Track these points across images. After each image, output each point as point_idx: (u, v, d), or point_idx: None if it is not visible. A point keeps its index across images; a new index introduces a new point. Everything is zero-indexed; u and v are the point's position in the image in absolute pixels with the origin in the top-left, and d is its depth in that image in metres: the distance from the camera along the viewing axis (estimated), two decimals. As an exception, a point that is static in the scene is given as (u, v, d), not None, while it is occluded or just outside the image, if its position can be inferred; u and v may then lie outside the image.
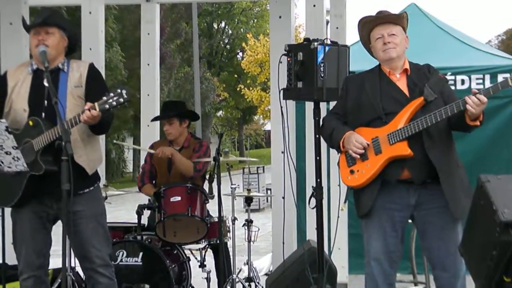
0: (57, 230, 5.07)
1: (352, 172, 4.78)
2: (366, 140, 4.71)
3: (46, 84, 4.73)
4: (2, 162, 4.79)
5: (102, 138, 7.24)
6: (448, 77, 8.23)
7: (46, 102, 4.90)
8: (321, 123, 5.11)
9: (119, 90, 4.68)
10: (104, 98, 4.68)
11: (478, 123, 4.59)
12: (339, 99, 5.03)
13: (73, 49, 5.20)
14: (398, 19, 4.84)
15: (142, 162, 7.44)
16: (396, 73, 4.81)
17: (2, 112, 4.99)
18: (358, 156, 4.71)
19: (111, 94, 4.67)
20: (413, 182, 4.66)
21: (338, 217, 5.47)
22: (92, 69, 5.11)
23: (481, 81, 8.49)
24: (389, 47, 4.75)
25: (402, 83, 4.79)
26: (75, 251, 5.11)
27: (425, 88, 4.64)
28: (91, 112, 4.65)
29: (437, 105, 4.58)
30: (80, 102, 4.93)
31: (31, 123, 4.83)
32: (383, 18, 4.82)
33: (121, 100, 4.66)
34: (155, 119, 7.57)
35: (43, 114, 4.89)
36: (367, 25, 4.88)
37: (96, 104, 4.66)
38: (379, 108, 4.72)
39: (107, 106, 4.67)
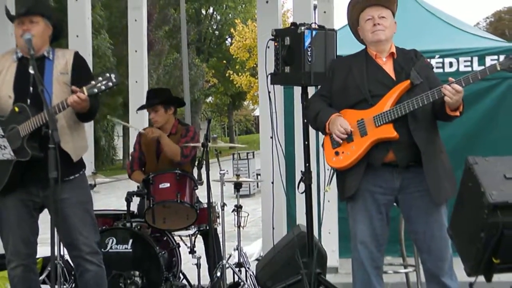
0: (46, 217, 5.06)
1: (337, 153, 4.77)
2: (351, 121, 4.70)
3: (31, 71, 4.73)
4: (-11, 151, 4.76)
5: (91, 125, 7.24)
6: (436, 60, 8.29)
7: (31, 89, 4.87)
8: (306, 105, 5.09)
9: (107, 74, 4.67)
10: (93, 82, 4.66)
11: (457, 113, 4.59)
12: (325, 81, 5.02)
13: (57, 37, 5.18)
14: (389, 3, 4.83)
15: (131, 149, 7.42)
16: (382, 56, 4.80)
17: None
18: (341, 141, 4.71)
19: (100, 78, 4.66)
20: (397, 165, 4.67)
21: (324, 199, 5.45)
22: (77, 56, 5.10)
23: (469, 63, 8.48)
24: (378, 28, 4.74)
25: (388, 67, 4.78)
26: (62, 240, 5.09)
27: (411, 71, 4.65)
28: (78, 95, 4.63)
29: (422, 89, 4.58)
30: (66, 89, 4.91)
31: (16, 109, 4.80)
32: (375, 0, 4.80)
33: (110, 84, 4.65)
34: (140, 108, 7.53)
35: (29, 100, 4.86)
36: (358, 6, 4.86)
37: (84, 88, 4.65)
38: (365, 90, 4.71)
39: (95, 90, 4.65)
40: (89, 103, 4.75)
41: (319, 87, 5.19)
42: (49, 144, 4.36)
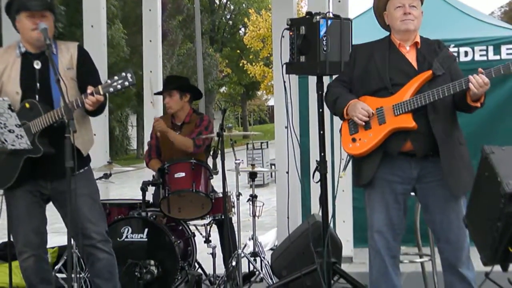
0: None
1: (354, 140, 4.75)
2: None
3: (36, 66, 4.83)
4: (6, 140, 4.77)
5: (106, 115, 7.25)
6: (451, 49, 8.24)
7: (38, 84, 4.88)
8: (326, 89, 5.05)
9: (124, 74, 4.65)
10: (109, 81, 4.66)
11: (478, 104, 4.58)
12: (346, 66, 5.01)
13: None
14: None
15: (145, 139, 7.45)
16: (406, 45, 4.77)
17: None
18: (363, 123, 4.69)
19: (116, 77, 4.65)
20: (415, 154, 4.65)
21: (338, 188, 5.45)
22: (81, 50, 5.09)
23: (484, 52, 8.45)
24: (408, 18, 4.69)
25: (411, 56, 4.75)
26: (72, 229, 5.10)
27: (434, 62, 4.62)
28: (95, 96, 4.64)
29: (444, 80, 4.56)
30: (73, 84, 4.91)
31: (27, 105, 4.79)
32: None
33: (126, 83, 4.64)
34: (158, 93, 7.55)
35: (37, 96, 4.85)
36: None
37: (100, 87, 4.64)
38: (386, 78, 4.69)
39: (111, 89, 4.65)
40: None
41: (334, 77, 5.17)
42: (65, 134, 4.38)
